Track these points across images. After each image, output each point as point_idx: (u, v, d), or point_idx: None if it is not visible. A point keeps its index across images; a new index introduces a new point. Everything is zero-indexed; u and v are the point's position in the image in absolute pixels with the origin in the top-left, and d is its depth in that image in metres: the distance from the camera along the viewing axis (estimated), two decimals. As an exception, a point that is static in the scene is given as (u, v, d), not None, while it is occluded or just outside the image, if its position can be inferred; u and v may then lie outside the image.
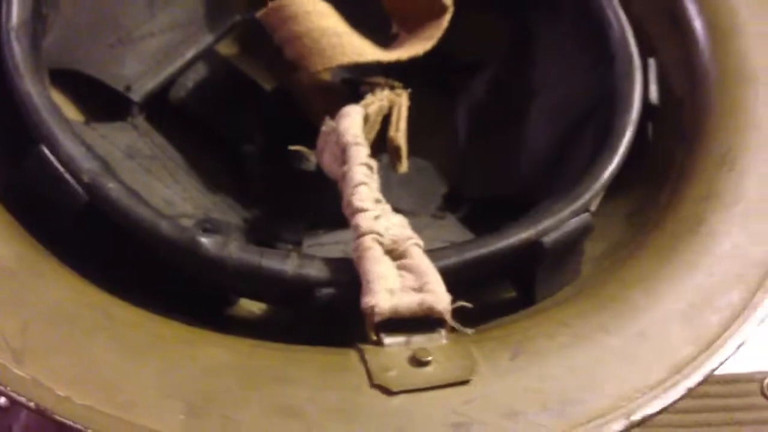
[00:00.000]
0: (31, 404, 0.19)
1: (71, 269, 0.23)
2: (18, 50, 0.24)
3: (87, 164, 0.23)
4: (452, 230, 0.32)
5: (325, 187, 0.30)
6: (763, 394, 0.33)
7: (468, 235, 0.31)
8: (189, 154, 0.32)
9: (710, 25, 0.31)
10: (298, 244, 0.31)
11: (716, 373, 0.34)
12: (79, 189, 0.23)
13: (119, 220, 0.23)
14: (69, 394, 0.19)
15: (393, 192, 0.30)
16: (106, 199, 0.23)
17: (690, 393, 0.23)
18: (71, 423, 0.19)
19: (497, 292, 0.28)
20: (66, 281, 0.22)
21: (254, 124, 0.34)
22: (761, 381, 0.33)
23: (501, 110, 0.34)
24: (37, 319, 0.20)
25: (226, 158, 0.33)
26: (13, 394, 0.19)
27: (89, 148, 0.24)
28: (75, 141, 0.24)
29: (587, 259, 0.28)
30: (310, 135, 0.30)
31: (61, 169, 0.23)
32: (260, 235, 0.31)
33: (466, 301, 0.24)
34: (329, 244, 0.30)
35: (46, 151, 0.23)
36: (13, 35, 0.25)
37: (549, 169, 0.31)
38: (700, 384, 0.23)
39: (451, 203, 0.34)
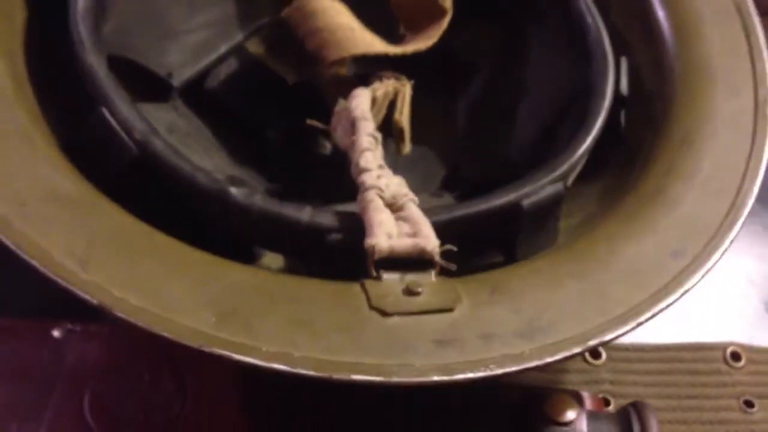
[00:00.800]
0: (94, 302, 0.23)
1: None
2: (83, 30, 0.29)
3: (138, 125, 0.28)
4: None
5: (339, 168, 0.34)
6: (725, 360, 0.37)
7: None
8: (220, 134, 0.36)
9: (677, 30, 0.35)
10: (313, 212, 0.35)
11: (685, 341, 0.38)
12: (131, 144, 0.28)
13: (163, 171, 0.28)
14: (124, 296, 0.23)
15: (398, 174, 0.34)
16: (153, 153, 0.28)
17: (639, 326, 0.27)
18: (125, 318, 0.23)
19: (486, 257, 0.32)
20: (119, 213, 0.26)
21: (276, 113, 0.38)
22: (723, 350, 0.37)
23: (495, 105, 0.39)
24: (97, 238, 0.25)
25: (251, 140, 0.38)
26: (80, 294, 0.23)
27: (140, 112, 0.29)
28: (129, 106, 0.28)
29: (564, 230, 0.32)
30: (325, 122, 0.35)
31: (118, 128, 0.28)
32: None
33: (457, 262, 0.28)
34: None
35: (106, 113, 0.28)
36: (79, 18, 0.29)
37: (534, 154, 0.35)
38: (649, 320, 0.27)
39: (449, 185, 0.38)
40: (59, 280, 0.23)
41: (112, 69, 0.32)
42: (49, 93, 0.29)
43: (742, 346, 0.37)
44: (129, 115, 0.28)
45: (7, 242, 0.23)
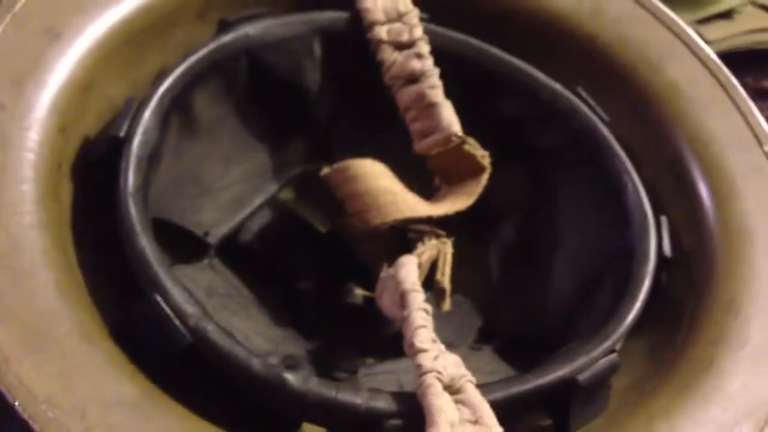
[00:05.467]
0: None
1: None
2: (134, 212, 0.29)
3: (191, 309, 0.28)
4: (488, 361, 0.36)
5: (370, 321, 0.34)
6: None
7: (503, 366, 0.35)
8: (256, 290, 0.36)
9: (713, 189, 0.36)
10: (353, 372, 0.34)
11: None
12: (185, 331, 0.27)
13: (217, 358, 0.27)
14: None
15: (435, 325, 0.34)
16: (207, 340, 0.27)
17: None
18: None
19: (536, 419, 0.32)
20: (178, 414, 0.25)
21: (308, 262, 0.38)
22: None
23: (528, 254, 0.39)
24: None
25: (285, 293, 0.37)
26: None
27: (191, 295, 0.28)
28: (181, 290, 0.28)
29: (614, 393, 0.32)
30: (357, 271, 0.35)
31: (171, 314, 0.27)
32: (320, 364, 0.34)
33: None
34: (382, 374, 0.33)
35: (159, 299, 0.27)
36: (130, 200, 0.29)
37: (572, 311, 0.35)
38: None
39: (486, 336, 0.37)
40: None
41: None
42: (95, 276, 0.29)
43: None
44: (181, 300, 0.28)
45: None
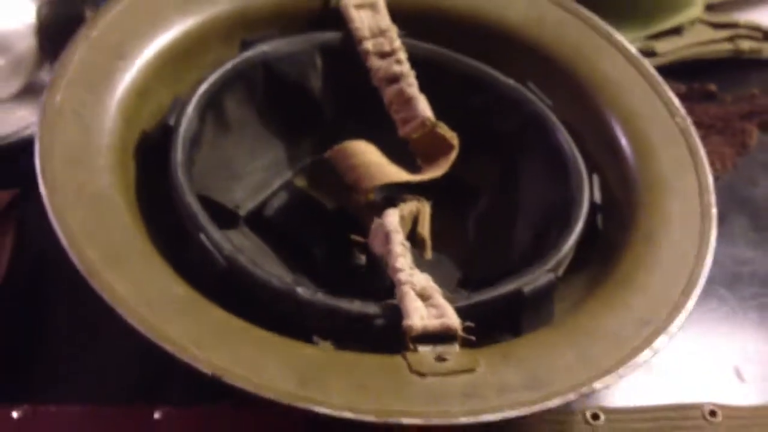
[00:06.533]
0: (209, 373, 0.31)
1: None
2: (182, 177, 0.39)
3: (226, 245, 0.37)
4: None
5: (372, 278, 0.43)
6: (704, 418, 0.44)
7: None
8: (278, 253, 0.45)
9: (636, 153, 0.45)
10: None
11: (669, 402, 0.45)
12: (221, 260, 0.37)
13: (245, 278, 0.36)
14: (230, 368, 0.32)
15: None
16: (238, 265, 0.37)
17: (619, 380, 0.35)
18: (235, 384, 0.31)
19: (497, 338, 0.40)
20: (217, 310, 0.35)
21: (320, 234, 0.47)
22: (701, 408, 0.44)
23: (497, 219, 0.47)
24: (208, 328, 0.33)
25: (301, 257, 0.46)
26: (199, 367, 0.31)
27: (226, 236, 0.38)
28: (218, 231, 0.38)
29: (557, 314, 0.40)
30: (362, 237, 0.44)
31: (212, 248, 0.37)
32: None
33: (475, 339, 0.36)
34: None
35: (203, 236, 0.37)
36: (179, 169, 0.39)
37: (530, 254, 0.44)
38: (628, 375, 0.35)
39: (463, 284, 0.46)
40: (183, 358, 0.31)
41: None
42: (153, 222, 0.39)
43: (717, 405, 0.44)
44: (218, 238, 0.37)
45: (149, 334, 0.32)
